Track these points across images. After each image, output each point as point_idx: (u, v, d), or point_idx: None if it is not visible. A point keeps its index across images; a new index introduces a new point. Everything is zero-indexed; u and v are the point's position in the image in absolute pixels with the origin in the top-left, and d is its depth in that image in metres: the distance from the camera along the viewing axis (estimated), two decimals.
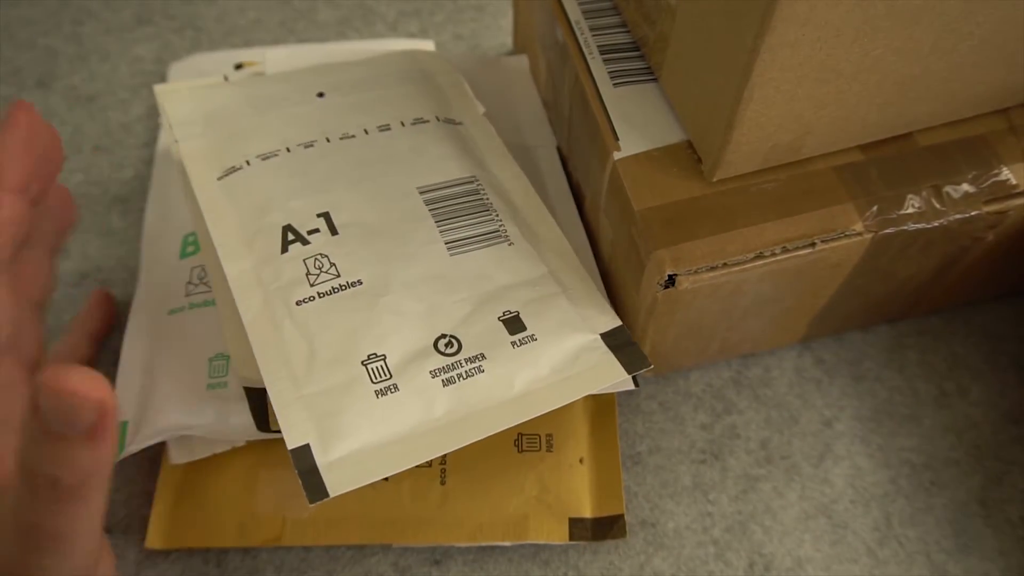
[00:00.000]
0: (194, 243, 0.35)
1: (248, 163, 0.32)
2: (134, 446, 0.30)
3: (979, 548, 0.32)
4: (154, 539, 0.31)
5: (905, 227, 0.28)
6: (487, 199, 0.32)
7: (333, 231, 0.30)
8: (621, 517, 0.32)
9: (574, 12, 0.33)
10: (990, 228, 0.30)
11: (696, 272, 0.27)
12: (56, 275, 0.27)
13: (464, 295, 0.30)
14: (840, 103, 0.26)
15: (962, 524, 0.33)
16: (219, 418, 0.31)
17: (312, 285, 0.29)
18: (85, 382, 0.17)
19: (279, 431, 0.27)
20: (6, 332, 0.24)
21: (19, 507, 0.20)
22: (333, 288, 0.29)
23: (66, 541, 0.21)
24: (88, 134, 0.43)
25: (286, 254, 0.30)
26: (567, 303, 0.30)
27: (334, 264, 0.30)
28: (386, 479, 0.32)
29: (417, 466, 0.32)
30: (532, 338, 0.29)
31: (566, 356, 0.29)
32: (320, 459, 0.26)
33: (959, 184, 0.29)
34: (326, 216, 0.31)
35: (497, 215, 0.32)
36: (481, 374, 0.28)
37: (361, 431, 0.26)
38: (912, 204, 0.28)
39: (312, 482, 0.25)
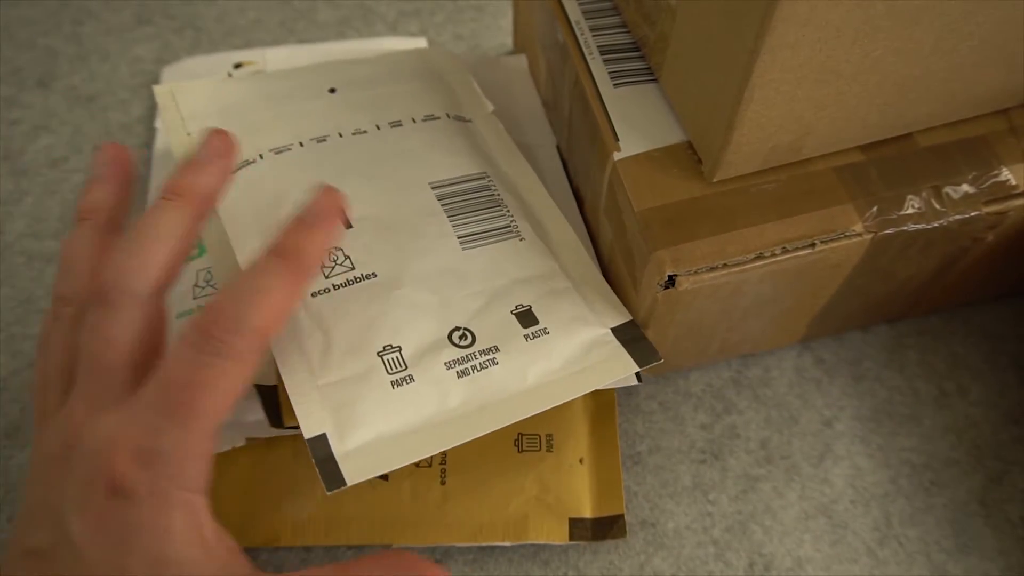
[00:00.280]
0: (198, 245, 0.35)
1: (262, 157, 0.33)
2: None
3: (979, 548, 0.32)
4: None
5: (905, 228, 0.28)
6: (498, 195, 0.33)
7: (347, 224, 0.31)
8: (621, 517, 0.32)
9: (574, 12, 0.33)
10: (990, 229, 0.30)
11: (696, 273, 0.27)
12: None
13: (477, 288, 0.30)
14: (840, 104, 0.26)
15: (962, 524, 0.33)
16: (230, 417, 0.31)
17: (327, 277, 0.29)
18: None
19: (292, 427, 0.27)
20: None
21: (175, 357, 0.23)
22: (348, 280, 0.30)
23: (207, 398, 0.22)
24: (88, 134, 0.43)
25: None
26: (578, 298, 0.31)
27: (348, 257, 0.30)
28: (386, 479, 0.32)
29: (417, 466, 0.32)
30: (544, 331, 0.30)
31: (578, 349, 0.29)
32: (337, 448, 0.26)
33: (959, 185, 0.29)
34: None
35: (508, 211, 0.32)
36: (495, 366, 0.28)
37: (377, 421, 0.27)
38: (912, 205, 0.28)
39: (329, 471, 0.26)
